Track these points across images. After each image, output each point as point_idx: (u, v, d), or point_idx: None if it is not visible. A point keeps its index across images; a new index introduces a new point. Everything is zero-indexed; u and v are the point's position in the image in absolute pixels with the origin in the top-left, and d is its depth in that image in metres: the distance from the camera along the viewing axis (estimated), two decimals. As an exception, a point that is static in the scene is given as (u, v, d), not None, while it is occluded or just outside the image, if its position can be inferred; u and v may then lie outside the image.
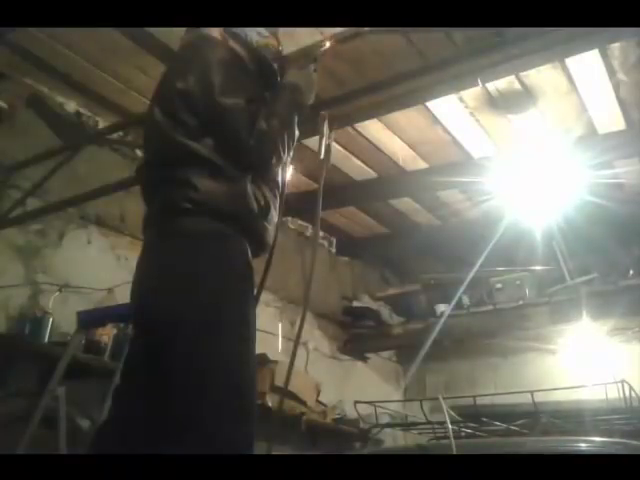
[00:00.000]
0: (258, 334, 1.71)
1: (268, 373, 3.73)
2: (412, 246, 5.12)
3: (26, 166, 3.02)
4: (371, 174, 4.14)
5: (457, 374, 5.22)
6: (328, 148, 2.06)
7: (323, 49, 2.08)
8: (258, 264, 1.82)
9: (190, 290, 1.62)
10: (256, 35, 1.95)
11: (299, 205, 3.03)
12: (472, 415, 3.05)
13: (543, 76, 3.06)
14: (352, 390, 4.57)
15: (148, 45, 2.98)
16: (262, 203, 1.78)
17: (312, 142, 2.21)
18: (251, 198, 1.74)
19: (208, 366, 1.56)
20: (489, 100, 3.31)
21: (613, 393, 2.77)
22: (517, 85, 3.15)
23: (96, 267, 3.39)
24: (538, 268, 4.49)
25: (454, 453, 2.27)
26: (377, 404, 3.16)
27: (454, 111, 3.41)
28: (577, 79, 3.05)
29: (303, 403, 4.03)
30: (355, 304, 5.06)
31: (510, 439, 2.72)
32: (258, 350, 1.74)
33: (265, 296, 3.27)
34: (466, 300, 4.59)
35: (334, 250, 5.23)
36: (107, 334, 3.06)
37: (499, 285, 4.52)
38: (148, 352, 1.66)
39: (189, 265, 1.65)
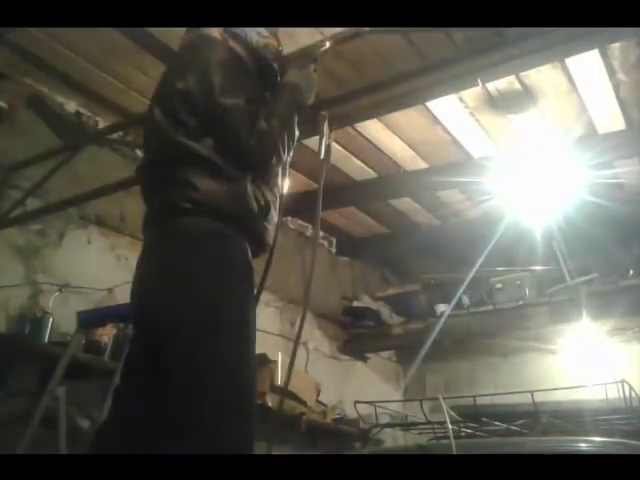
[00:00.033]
0: (258, 334, 1.71)
1: (268, 373, 3.73)
2: (412, 246, 5.12)
3: (26, 166, 3.02)
4: (371, 174, 4.14)
5: (457, 374, 5.22)
6: (328, 148, 2.06)
7: (323, 49, 2.08)
8: (258, 264, 1.82)
9: (190, 290, 1.62)
10: (256, 35, 1.95)
11: (299, 205, 3.03)
12: (472, 415, 3.05)
13: (543, 76, 3.06)
14: (352, 390, 4.57)
15: (148, 45, 2.98)
16: (262, 203, 1.78)
17: (312, 142, 2.21)
18: (251, 198, 1.74)
19: (208, 366, 1.56)
20: (489, 100, 3.31)
21: (613, 393, 2.76)
22: (517, 85, 3.15)
23: (96, 267, 3.39)
24: (538, 268, 4.49)
25: (454, 453, 2.27)
26: (377, 404, 3.16)
27: (454, 111, 3.41)
28: (577, 79, 3.05)
29: (303, 403, 4.03)
30: (355, 304, 5.06)
31: (510, 439, 2.72)
32: (258, 350, 1.74)
33: (265, 296, 3.27)
34: (466, 300, 4.59)
35: (334, 250, 5.23)
36: (107, 334, 3.06)
37: (499, 285, 4.52)
38: (148, 352, 1.67)
39: (189, 265, 1.65)
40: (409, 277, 5.42)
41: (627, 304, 3.89)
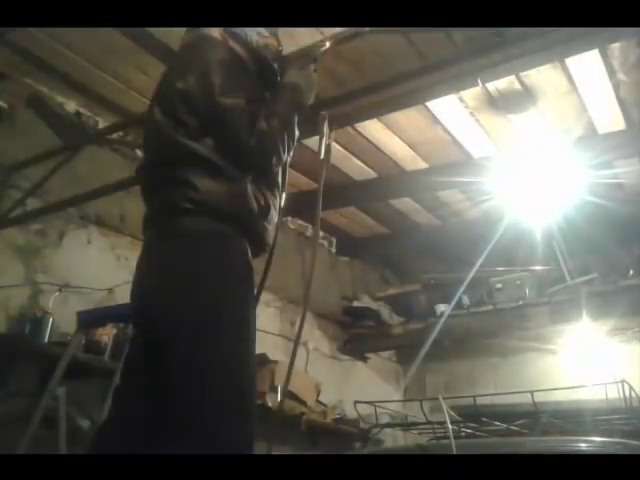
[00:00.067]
0: (258, 334, 1.71)
1: (268, 373, 3.73)
2: (412, 246, 5.12)
3: (26, 166, 3.02)
4: (371, 174, 4.14)
5: (457, 374, 5.22)
6: (328, 148, 2.06)
7: (323, 49, 2.08)
8: (258, 264, 1.82)
9: (190, 290, 1.62)
10: (256, 35, 1.95)
11: (299, 205, 3.03)
12: (472, 415, 3.05)
13: (543, 76, 3.06)
14: (352, 390, 4.57)
15: (148, 45, 2.98)
16: (262, 203, 1.78)
17: (312, 142, 2.20)
18: (251, 198, 1.74)
19: (208, 366, 1.56)
20: (489, 100, 3.31)
21: (613, 393, 2.76)
22: (517, 85, 3.14)
23: (96, 267, 3.39)
24: (538, 268, 4.49)
25: (454, 453, 2.27)
26: (377, 404, 3.16)
27: (454, 111, 3.40)
28: (577, 79, 3.05)
29: (303, 403, 4.03)
30: (355, 304, 5.06)
31: (510, 439, 2.72)
32: (258, 350, 1.74)
33: (265, 296, 3.28)
34: (466, 300, 4.59)
35: (334, 250, 5.23)
36: (107, 334, 3.06)
37: (499, 285, 4.52)
38: (148, 352, 1.67)
39: (189, 265, 1.65)
40: (409, 277, 5.42)
41: (627, 304, 3.89)
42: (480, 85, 2.59)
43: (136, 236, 3.25)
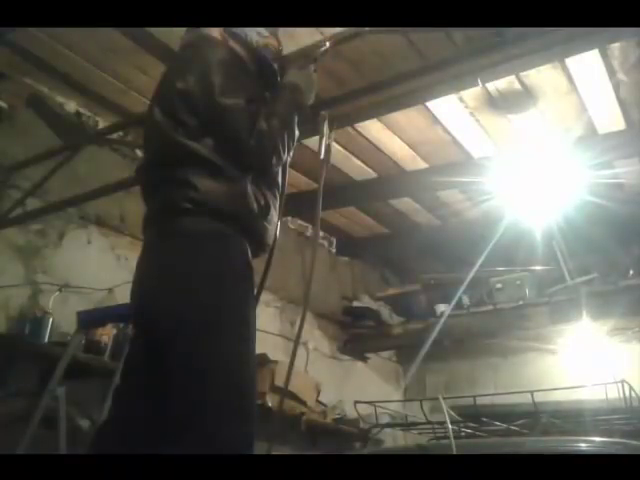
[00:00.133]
0: (258, 334, 1.71)
1: (268, 373, 3.73)
2: (412, 246, 5.12)
3: (26, 166, 3.02)
4: (371, 174, 4.14)
5: (457, 374, 5.22)
6: (328, 148, 2.06)
7: (323, 49, 2.08)
8: (258, 264, 1.82)
9: (190, 290, 1.63)
10: (256, 35, 1.96)
11: (299, 205, 3.03)
12: (472, 415, 3.05)
13: (543, 76, 3.06)
14: (352, 390, 4.57)
15: (148, 45, 2.98)
16: (262, 203, 1.78)
17: (312, 142, 2.21)
18: (251, 198, 1.74)
19: (208, 366, 1.56)
20: (489, 100, 3.31)
21: (613, 393, 2.76)
22: (517, 85, 3.14)
23: (96, 267, 3.39)
24: (538, 268, 4.49)
25: (454, 453, 2.27)
26: (377, 404, 3.16)
27: (454, 111, 3.40)
28: (577, 79, 3.05)
29: (303, 403, 4.03)
30: (355, 304, 5.06)
31: (510, 439, 2.72)
32: (258, 350, 1.74)
33: (265, 296, 3.28)
34: (466, 300, 4.59)
35: (334, 250, 5.23)
36: (107, 334, 3.06)
37: (499, 285, 4.52)
38: (148, 352, 1.67)
39: (189, 265, 1.65)
40: (409, 277, 5.42)
41: (627, 304, 3.88)
42: (480, 85, 2.59)
43: (136, 236, 3.25)
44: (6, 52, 3.00)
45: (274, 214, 1.85)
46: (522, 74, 3.01)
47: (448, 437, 2.48)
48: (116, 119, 3.44)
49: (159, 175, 1.77)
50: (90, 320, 2.61)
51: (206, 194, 1.67)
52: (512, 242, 4.08)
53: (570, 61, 2.89)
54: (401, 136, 3.69)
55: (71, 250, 3.31)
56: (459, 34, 2.71)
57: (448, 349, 4.68)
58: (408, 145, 3.78)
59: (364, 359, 5.15)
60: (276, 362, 3.80)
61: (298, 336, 2.05)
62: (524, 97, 3.23)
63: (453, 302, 4.37)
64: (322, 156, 2.03)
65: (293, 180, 3.64)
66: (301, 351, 4.27)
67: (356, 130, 3.58)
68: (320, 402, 4.26)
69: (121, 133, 3.29)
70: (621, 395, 2.71)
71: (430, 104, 3.28)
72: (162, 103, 1.83)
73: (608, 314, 4.05)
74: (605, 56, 2.86)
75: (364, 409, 3.37)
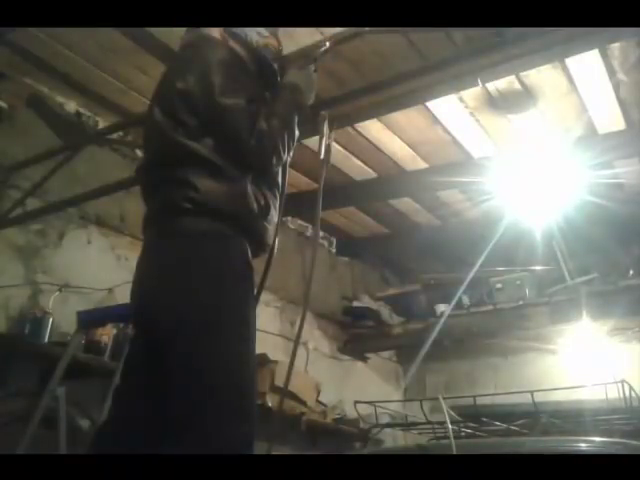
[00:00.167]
0: (258, 334, 1.71)
1: (268, 373, 3.73)
2: (412, 246, 5.12)
3: (26, 166, 3.02)
4: (371, 174, 4.14)
5: (457, 374, 5.22)
6: (328, 148, 2.06)
7: (323, 49, 2.08)
8: (258, 264, 1.82)
9: (190, 290, 1.63)
10: (256, 35, 1.96)
11: (299, 205, 3.03)
12: (472, 415, 3.05)
13: (543, 76, 3.06)
14: (352, 390, 4.57)
15: (148, 45, 2.98)
16: (262, 203, 1.78)
17: (312, 142, 2.21)
18: (251, 198, 1.74)
19: (208, 366, 1.56)
20: (489, 100, 3.30)
21: (613, 393, 2.76)
22: (517, 85, 3.14)
23: (96, 267, 3.39)
24: (538, 268, 4.49)
25: (454, 453, 2.27)
26: (377, 404, 3.16)
27: (454, 111, 3.40)
28: (577, 79, 3.05)
29: (303, 403, 4.03)
30: (355, 304, 5.05)
31: (510, 439, 2.72)
32: (258, 350, 1.74)
33: (265, 296, 3.28)
34: (466, 300, 4.59)
35: (334, 250, 5.23)
36: (107, 334, 3.06)
37: (499, 285, 4.52)
38: (148, 352, 1.67)
39: (189, 265, 1.65)
40: (409, 277, 5.42)
41: (627, 304, 3.88)
42: (480, 85, 2.58)
43: (136, 236, 3.25)
44: (6, 52, 3.00)
45: (274, 214, 1.85)
46: (522, 74, 3.01)
47: (448, 437, 2.48)
48: (116, 119, 3.44)
49: (159, 175, 1.77)
50: (90, 320, 2.61)
51: (206, 194, 1.67)
52: (512, 242, 4.08)
53: (570, 61, 2.89)
54: (401, 136, 3.69)
55: (71, 250, 3.31)
56: (459, 34, 2.71)
57: (448, 349, 4.68)
58: (408, 145, 3.78)
59: (364, 359, 5.15)
60: (276, 362, 3.80)
61: (298, 336, 2.05)
62: (524, 97, 3.23)
63: (453, 302, 4.37)
64: (322, 156, 2.03)
65: (293, 180, 3.64)
66: (301, 351, 4.27)
67: (356, 130, 3.58)
68: (320, 402, 4.26)
69: (121, 133, 3.30)
70: (621, 395, 2.71)
71: (430, 104, 3.28)
72: (162, 103, 1.83)
73: (608, 314, 4.05)
74: (605, 56, 2.86)
75: (364, 409, 3.38)
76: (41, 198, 3.06)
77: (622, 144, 3.45)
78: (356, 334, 5.02)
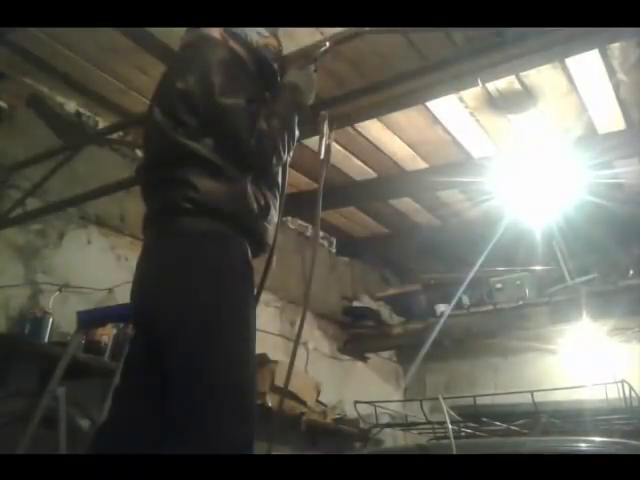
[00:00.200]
0: (258, 334, 1.71)
1: (268, 373, 3.73)
2: (412, 246, 5.12)
3: (26, 166, 3.02)
4: (371, 174, 4.14)
5: (457, 374, 5.22)
6: (328, 148, 2.05)
7: (323, 49, 2.08)
8: (258, 264, 1.82)
9: (190, 290, 1.63)
10: (256, 35, 1.96)
11: (299, 205, 3.03)
12: (472, 415, 3.05)
13: (543, 76, 3.06)
14: (352, 390, 4.57)
15: (148, 45, 2.98)
16: (262, 203, 1.78)
17: (312, 142, 2.21)
18: (251, 198, 1.74)
19: (208, 366, 1.56)
20: (489, 100, 3.31)
21: (613, 393, 2.76)
22: (517, 85, 3.14)
23: (96, 267, 3.39)
24: (538, 268, 4.49)
25: (454, 453, 2.27)
26: (377, 404, 3.16)
27: (454, 111, 3.40)
28: (577, 79, 3.05)
29: (303, 403, 4.03)
30: (355, 304, 5.05)
31: (510, 439, 2.72)
32: (258, 350, 1.74)
33: (265, 296, 3.26)
34: (466, 300, 4.59)
35: (334, 250, 5.23)
36: (107, 334, 3.06)
37: (499, 285, 4.52)
38: (148, 352, 1.67)
39: (189, 265, 1.65)
40: (409, 277, 5.42)
41: (627, 304, 3.89)
42: (480, 85, 2.59)
43: (136, 236, 3.25)
44: (6, 52, 3.00)
45: (274, 214, 1.85)
46: (522, 74, 3.01)
47: (448, 437, 2.48)
48: (116, 119, 3.44)
49: (159, 175, 1.77)
50: (90, 320, 2.61)
51: (206, 194, 1.67)
52: (512, 242, 4.08)
53: (570, 61, 2.89)
54: (401, 136, 3.69)
55: (71, 250, 3.31)
56: (459, 34, 2.71)
57: (448, 349, 4.68)
58: (408, 145, 3.78)
59: (364, 359, 5.15)
60: (276, 362, 3.80)
61: (298, 336, 2.05)
62: (524, 97, 3.24)
63: (453, 302, 4.37)
64: (322, 156, 2.03)
65: (293, 180, 3.64)
66: (301, 351, 4.27)
67: (356, 130, 3.58)
68: (320, 402, 4.26)
69: (121, 133, 3.29)
70: (621, 395, 2.71)
71: (430, 104, 3.28)
72: (162, 103, 1.83)
73: (608, 314, 4.05)
74: (605, 56, 2.86)
75: (364, 409, 3.38)
76: (41, 198, 3.06)
77: (622, 144, 3.45)
78: (356, 334, 5.02)
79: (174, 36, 2.19)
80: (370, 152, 3.87)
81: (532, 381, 3.93)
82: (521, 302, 4.37)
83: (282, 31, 2.08)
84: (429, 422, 2.94)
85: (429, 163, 3.96)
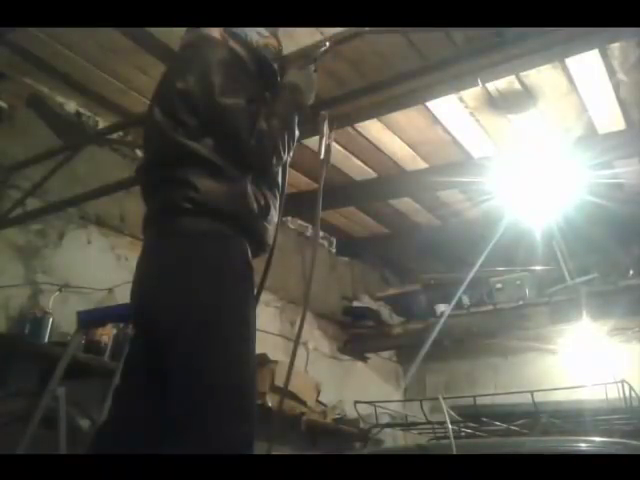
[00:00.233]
0: (258, 334, 1.71)
1: (268, 373, 3.73)
2: (412, 246, 5.12)
3: (26, 166, 3.02)
4: (371, 174, 4.14)
5: (457, 374, 5.22)
6: (328, 148, 2.06)
7: (323, 49, 2.08)
8: (258, 264, 1.82)
9: (190, 290, 1.63)
10: (256, 35, 1.96)
11: (299, 205, 3.03)
12: (472, 415, 3.05)
13: (543, 76, 3.06)
14: (352, 390, 4.57)
15: (148, 45, 2.98)
16: (262, 203, 1.78)
17: (312, 142, 2.21)
18: (251, 198, 1.74)
19: (208, 366, 1.56)
20: (489, 100, 3.31)
21: (613, 393, 2.76)
22: (517, 85, 3.14)
23: (96, 267, 3.38)
24: (538, 268, 4.49)
25: (454, 453, 2.27)
26: (377, 404, 3.16)
27: (454, 111, 3.40)
28: (577, 79, 3.05)
29: (303, 403, 4.03)
30: (355, 304, 5.05)
31: (510, 439, 2.72)
32: (258, 350, 1.74)
33: (265, 296, 3.27)
34: (466, 300, 4.59)
35: (334, 250, 5.23)
36: (107, 334, 3.06)
37: (499, 285, 4.52)
38: (148, 352, 1.67)
39: (189, 265, 1.65)
40: (409, 277, 5.42)
41: (627, 304, 3.88)
42: (480, 85, 2.59)
43: (136, 236, 3.25)
44: (6, 52, 3.00)
45: (274, 214, 1.85)
46: (522, 74, 3.01)
47: (448, 437, 2.48)
48: (116, 119, 3.44)
49: (159, 175, 1.77)
50: (90, 320, 2.61)
51: (206, 194, 1.67)
52: (512, 242, 4.08)
53: (570, 61, 2.89)
54: (401, 136, 3.69)
55: (71, 250, 3.31)
56: (459, 34, 2.71)
57: (448, 349, 4.68)
58: (408, 145, 3.78)
59: (364, 359, 5.15)
60: (276, 362, 3.80)
61: (298, 336, 2.05)
62: (524, 97, 3.23)
63: (453, 302, 4.37)
64: (322, 156, 2.03)
65: (293, 180, 3.64)
66: (301, 351, 4.27)
67: (356, 130, 3.58)
68: (320, 402, 4.26)
69: (121, 133, 3.30)
70: (621, 395, 2.71)
71: (430, 104, 3.28)
72: (162, 103, 1.83)
73: (608, 314, 4.05)
74: (605, 56, 2.86)
75: (364, 409, 3.38)
76: (41, 198, 3.06)
77: (622, 144, 3.45)
78: (356, 334, 5.02)
79: (174, 36, 2.19)
80: (370, 152, 3.87)
81: (532, 381, 3.93)
82: (521, 302, 4.37)
83: (282, 31, 2.08)
84: (429, 422, 2.94)
85: (429, 163, 3.96)
